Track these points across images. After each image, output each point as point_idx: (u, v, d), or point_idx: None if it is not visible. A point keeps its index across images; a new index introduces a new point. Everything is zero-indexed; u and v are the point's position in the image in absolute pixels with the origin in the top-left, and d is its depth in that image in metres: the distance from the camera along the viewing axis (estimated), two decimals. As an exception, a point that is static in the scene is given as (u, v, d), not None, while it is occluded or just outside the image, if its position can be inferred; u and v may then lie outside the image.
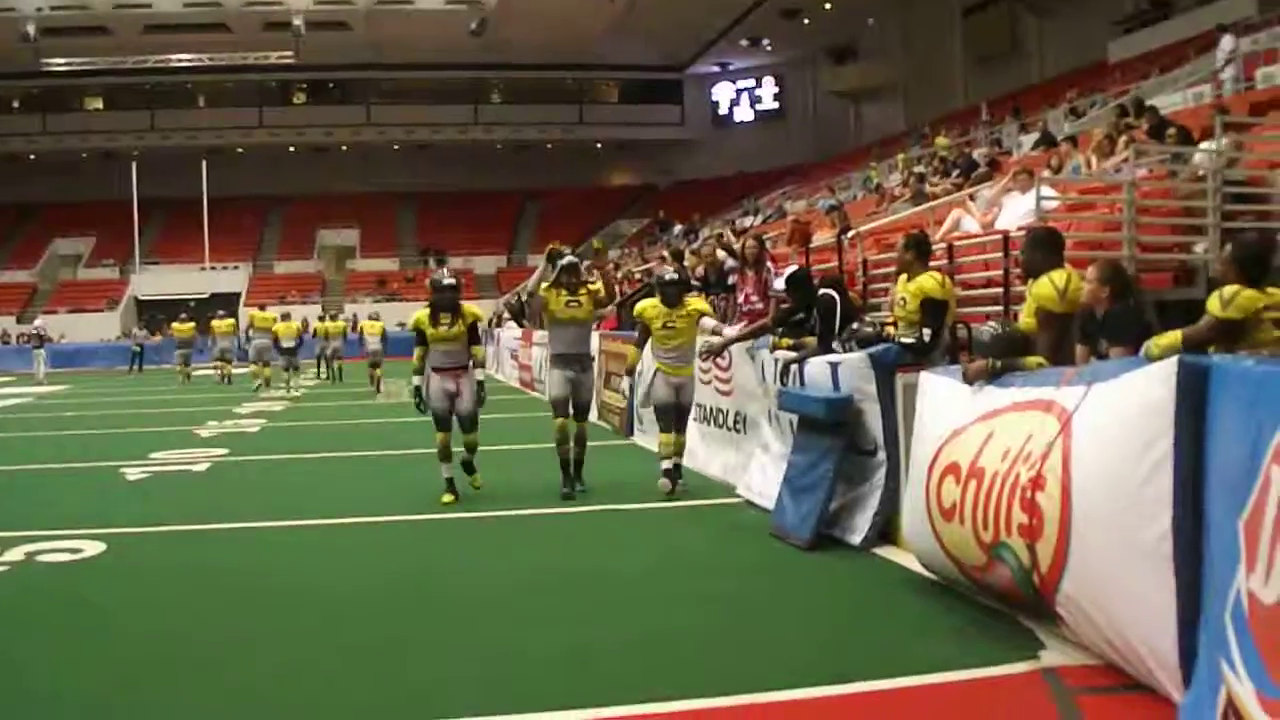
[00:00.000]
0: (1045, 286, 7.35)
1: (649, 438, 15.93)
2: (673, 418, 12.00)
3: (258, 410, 24.11)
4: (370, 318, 35.25)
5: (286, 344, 31.15)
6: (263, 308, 37.38)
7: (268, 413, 23.59)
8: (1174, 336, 6.07)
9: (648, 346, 12.37)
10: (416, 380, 12.17)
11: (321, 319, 36.95)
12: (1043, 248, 7.70)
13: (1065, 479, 5.80)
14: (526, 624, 7.11)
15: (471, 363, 12.27)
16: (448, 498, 11.78)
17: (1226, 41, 23.78)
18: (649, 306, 12.28)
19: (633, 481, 12.32)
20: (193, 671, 6.29)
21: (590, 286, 12.52)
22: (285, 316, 32.84)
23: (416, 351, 12.19)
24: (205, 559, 9.46)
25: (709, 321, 12.37)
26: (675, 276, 12.80)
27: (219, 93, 69.17)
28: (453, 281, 12.38)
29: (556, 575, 8.47)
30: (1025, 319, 7.66)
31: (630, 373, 13.06)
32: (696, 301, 12.78)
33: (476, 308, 12.75)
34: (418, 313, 12.33)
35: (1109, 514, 5.46)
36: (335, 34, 60.57)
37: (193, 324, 39.39)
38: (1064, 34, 46.30)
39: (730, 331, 12.48)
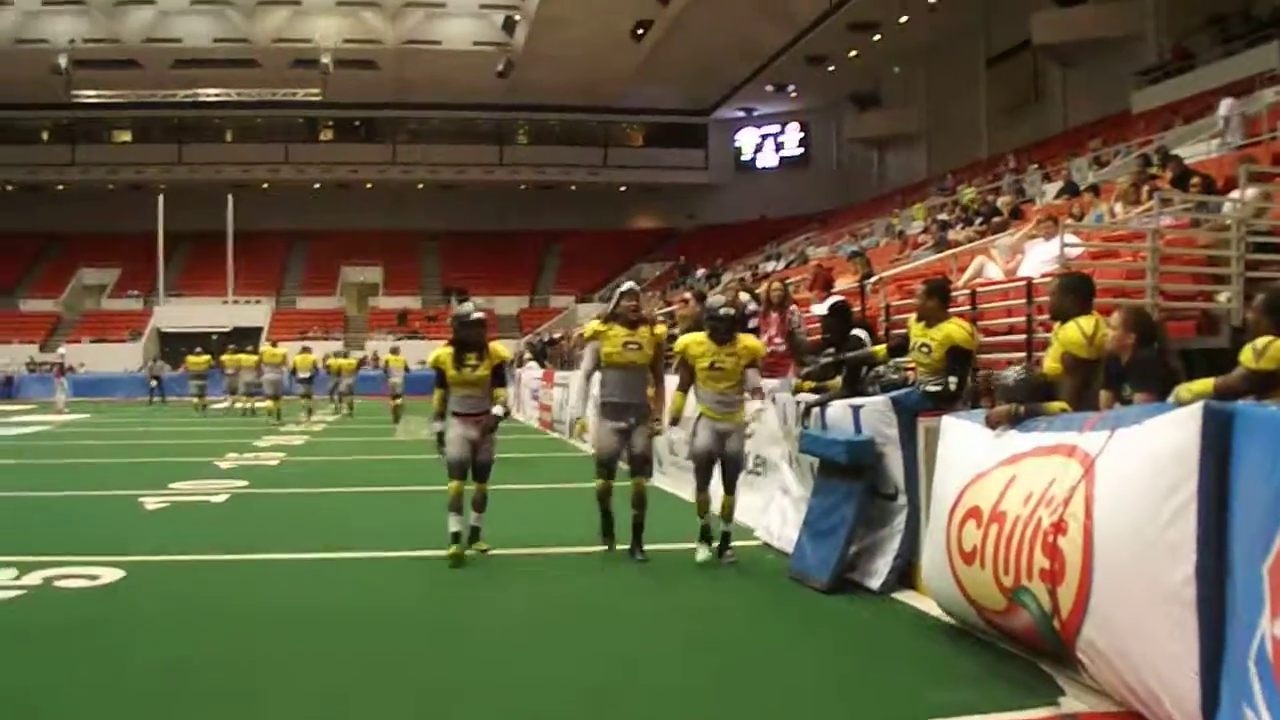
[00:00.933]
0: (1073, 331, 7.36)
1: (669, 480, 15.88)
2: (711, 471, 10.59)
3: (277, 444, 24.12)
4: (392, 351, 36.51)
5: (303, 375, 33.22)
6: (275, 344, 39.85)
7: (287, 446, 23.59)
8: (1205, 385, 6.06)
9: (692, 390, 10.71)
10: (438, 426, 10.94)
11: (335, 356, 37.94)
12: (1073, 294, 7.73)
13: (1088, 523, 5.79)
14: (541, 664, 7.08)
15: (494, 407, 11.01)
16: (454, 549, 10.46)
17: (1225, 105, 23.83)
18: (694, 343, 10.61)
19: (652, 521, 12.25)
20: (207, 700, 6.27)
21: (656, 328, 11.00)
22: (305, 349, 34.97)
23: (437, 394, 10.93)
24: (222, 589, 9.44)
25: (754, 376, 10.67)
26: (730, 311, 10.93)
27: (246, 128, 69.66)
28: (480, 316, 11.05)
29: (570, 616, 8.45)
30: (1050, 363, 7.66)
31: (675, 422, 11.00)
32: (750, 340, 10.91)
33: (503, 347, 11.50)
34: (439, 350, 10.94)
35: (1131, 559, 5.44)
36: (363, 73, 61.08)
37: (207, 357, 40.25)
38: (1087, 84, 46.32)
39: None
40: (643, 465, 10.89)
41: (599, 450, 10.96)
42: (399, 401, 32.85)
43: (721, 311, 10.77)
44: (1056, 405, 7.07)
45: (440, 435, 10.94)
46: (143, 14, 57.09)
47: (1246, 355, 6.27)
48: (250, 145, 69.53)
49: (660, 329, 11.10)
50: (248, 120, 68.92)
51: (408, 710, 6.12)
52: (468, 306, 11.24)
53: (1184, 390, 5.86)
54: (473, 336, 10.89)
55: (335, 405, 36.59)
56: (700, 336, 10.65)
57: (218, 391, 39.98)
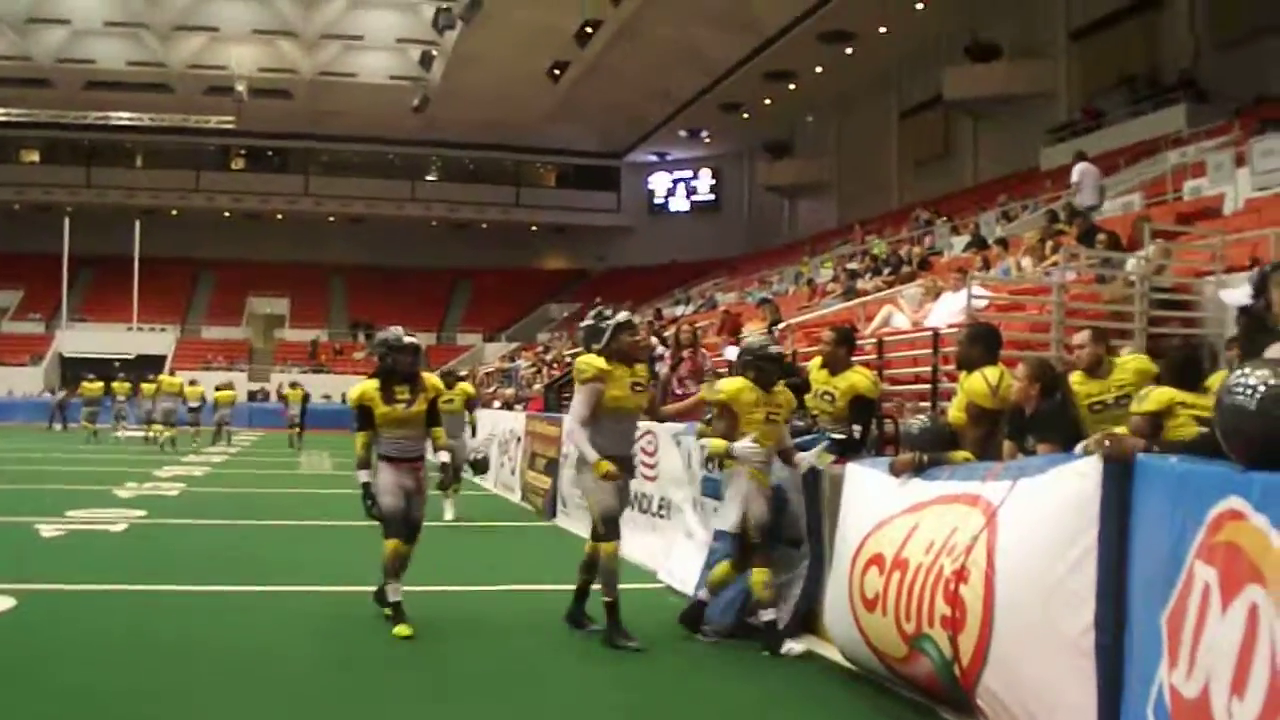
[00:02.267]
0: (978, 382, 7.42)
1: (572, 520, 15.85)
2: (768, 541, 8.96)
3: (178, 474, 23.81)
4: (291, 385, 40.69)
5: (193, 405, 35.72)
6: (173, 373, 41.89)
7: (188, 477, 23.30)
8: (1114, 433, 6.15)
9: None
10: (363, 476, 9.15)
11: (218, 389, 38.43)
12: (980, 344, 7.80)
13: (989, 572, 5.82)
14: (439, 701, 7.06)
15: (439, 453, 9.78)
16: (404, 630, 8.69)
17: (1076, 170, 24.38)
18: (744, 389, 8.89)
19: (555, 564, 12.20)
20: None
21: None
22: (193, 382, 37.39)
23: (360, 438, 9.22)
24: (119, 619, 9.26)
25: (786, 434, 9.19)
26: (778, 350, 9.43)
27: (157, 153, 68.96)
28: (414, 341, 9.62)
29: (470, 653, 8.36)
30: (955, 413, 7.73)
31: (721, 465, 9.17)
32: (784, 390, 9.24)
33: (437, 379, 10.13)
34: (362, 385, 9.37)
35: (1032, 607, 5.48)
36: (277, 102, 60.79)
37: (101, 384, 41.00)
38: (998, 140, 46.97)
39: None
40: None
41: (605, 510, 8.98)
42: (295, 429, 37.04)
43: (773, 350, 9.26)
44: (960, 454, 7.12)
45: (367, 487, 9.11)
46: (56, 33, 56.36)
47: (1134, 405, 6.45)
48: (161, 171, 68.87)
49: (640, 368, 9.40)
50: (159, 145, 68.22)
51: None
52: (396, 330, 9.55)
53: (1092, 444, 5.89)
54: (403, 365, 9.36)
55: (215, 436, 36.93)
56: (746, 383, 8.95)
57: (107, 419, 40.15)
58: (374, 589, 9.65)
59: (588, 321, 9.30)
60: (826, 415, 9.60)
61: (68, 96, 58.84)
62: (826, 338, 9.90)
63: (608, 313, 9.39)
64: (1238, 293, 6.04)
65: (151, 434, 35.34)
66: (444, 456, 9.92)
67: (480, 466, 16.75)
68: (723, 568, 9.06)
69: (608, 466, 8.70)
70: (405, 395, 9.20)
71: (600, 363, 8.90)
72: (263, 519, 16.69)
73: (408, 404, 9.18)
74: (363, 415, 9.18)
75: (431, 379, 9.76)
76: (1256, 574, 3.90)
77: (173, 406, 34.40)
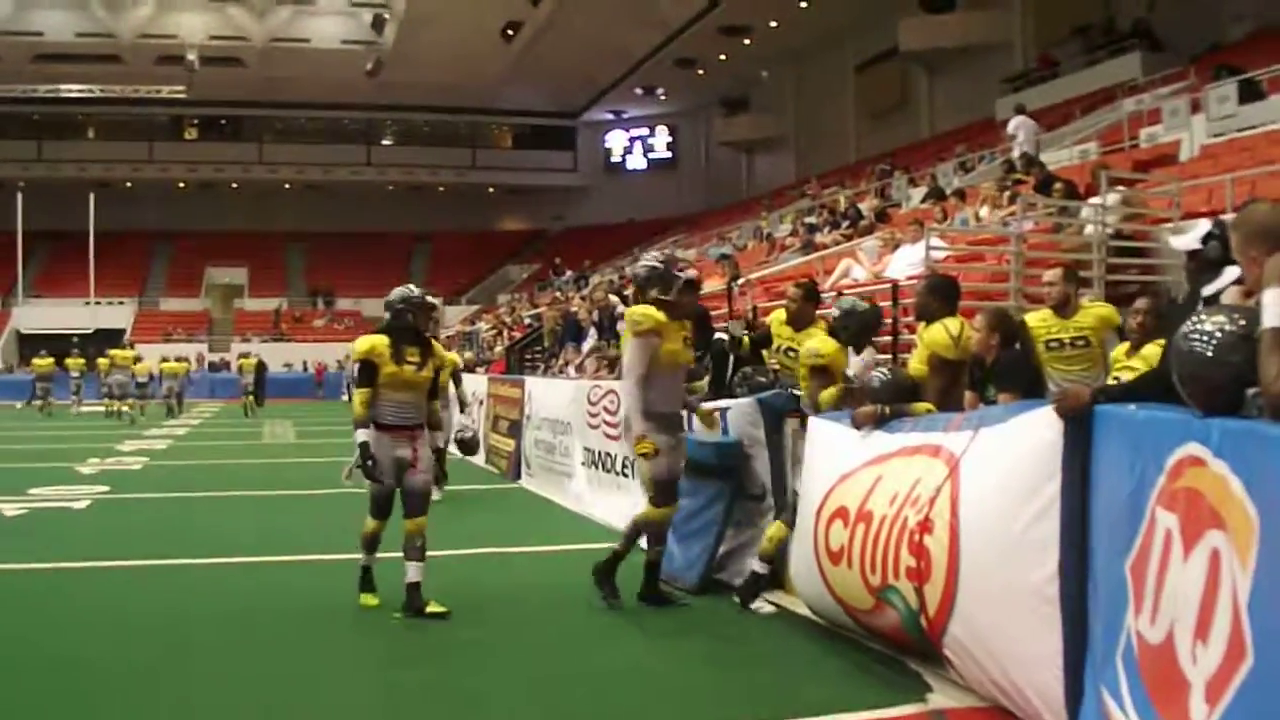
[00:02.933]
0: (939, 333, 7.42)
1: (537, 482, 15.89)
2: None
3: (141, 448, 23.71)
4: (243, 356, 45.29)
5: (141, 379, 36.68)
6: (131, 345, 43.31)
7: (150, 450, 23.22)
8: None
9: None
10: (362, 435, 8.44)
11: (165, 360, 40.23)
12: (939, 295, 7.80)
13: (953, 522, 5.84)
14: (404, 666, 7.07)
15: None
16: (370, 600, 8.66)
17: (1013, 123, 24.43)
18: (839, 351, 8.81)
19: (523, 527, 12.22)
20: (71, 704, 6.14)
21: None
22: (138, 359, 38.14)
23: (360, 394, 8.57)
24: (83, 597, 9.23)
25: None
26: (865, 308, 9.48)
27: (109, 125, 68.11)
28: (435, 302, 9.30)
29: (435, 623, 8.35)
30: (915, 364, 7.74)
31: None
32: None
33: (445, 352, 9.91)
34: (371, 339, 8.62)
35: (996, 557, 5.51)
36: (229, 70, 60.09)
37: (51, 360, 41.52)
38: (954, 91, 46.96)
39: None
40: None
41: (668, 473, 8.63)
42: (249, 397, 39.68)
43: (860, 308, 9.36)
44: (922, 406, 7.13)
45: (365, 447, 8.41)
46: (1, 6, 55.64)
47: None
48: (113, 143, 67.85)
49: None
50: (111, 117, 67.36)
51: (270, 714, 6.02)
52: (411, 288, 8.93)
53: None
54: (420, 324, 8.79)
55: (168, 407, 37.65)
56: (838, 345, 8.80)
57: (63, 394, 40.83)
58: (341, 557, 9.68)
59: (654, 263, 8.75)
60: (789, 372, 9.60)
61: (15, 70, 57.94)
62: (793, 293, 9.85)
63: (679, 259, 8.94)
64: (1188, 238, 6.06)
65: (115, 408, 35.54)
66: (437, 441, 9.03)
67: (468, 447, 14.22)
68: (779, 528, 8.59)
69: (649, 446, 8.35)
70: (415, 358, 8.56)
71: (660, 315, 8.42)
72: (227, 490, 16.66)
73: (417, 367, 8.56)
74: (367, 370, 8.47)
75: (440, 349, 9.24)
76: (1217, 519, 3.92)
77: (126, 379, 35.51)
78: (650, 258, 8.86)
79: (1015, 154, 23.85)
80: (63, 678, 6.68)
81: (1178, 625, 4.11)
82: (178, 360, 40.71)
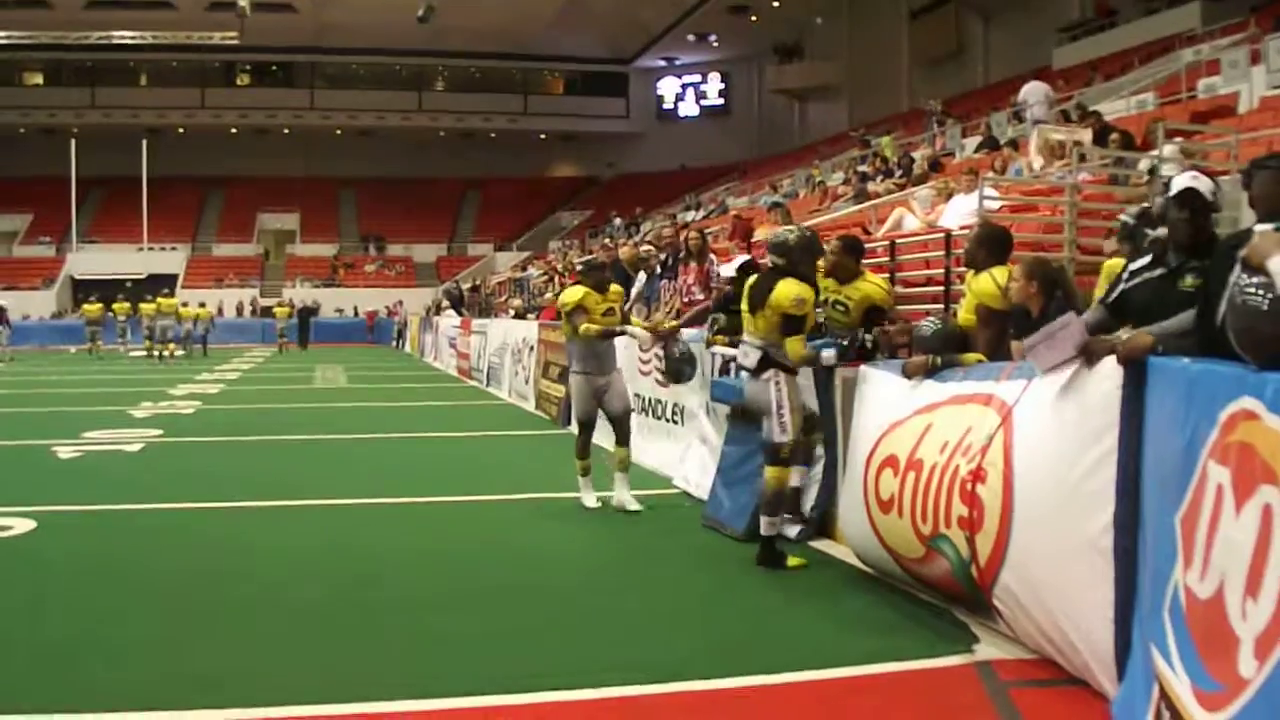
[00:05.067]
0: (987, 283, 7.38)
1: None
2: None
3: (193, 392, 23.92)
4: (278, 303, 51.77)
5: (186, 325, 40.65)
6: (168, 294, 44.98)
7: (202, 395, 23.40)
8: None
9: None
10: (631, 326, 10.78)
11: (190, 306, 43.82)
12: (988, 245, 7.73)
13: (1007, 472, 5.83)
14: (454, 608, 7.07)
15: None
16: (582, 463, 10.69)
17: (1024, 90, 24.20)
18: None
19: (569, 470, 12.22)
20: (128, 647, 6.21)
21: None
22: (185, 304, 43.22)
23: (582, 323, 10.24)
24: (136, 538, 9.33)
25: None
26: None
27: (161, 72, 68.25)
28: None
29: (490, 561, 8.42)
30: (964, 314, 7.69)
31: None
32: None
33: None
34: (579, 291, 10.46)
35: (1050, 507, 5.49)
36: (281, 16, 60.08)
37: (100, 305, 44.17)
38: (1009, 39, 46.58)
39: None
40: None
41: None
42: (283, 339, 46.52)
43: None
44: (972, 356, 7.10)
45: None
46: (55, -46, 55.81)
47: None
48: (165, 89, 68.09)
49: None
50: (163, 64, 67.50)
51: (334, 661, 6.07)
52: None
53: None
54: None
55: (188, 350, 40.95)
56: None
57: (112, 338, 43.68)
58: (379, 501, 10.22)
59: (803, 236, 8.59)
60: (840, 324, 9.56)
61: (69, 17, 58.03)
62: (833, 247, 9.78)
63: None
64: (1184, 177, 5.89)
65: (157, 350, 38.04)
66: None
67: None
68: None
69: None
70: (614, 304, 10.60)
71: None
72: (278, 434, 16.77)
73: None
74: (578, 311, 10.36)
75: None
76: (1270, 474, 3.88)
77: (168, 324, 38.98)
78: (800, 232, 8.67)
79: (1029, 115, 23.61)
80: (100, 619, 6.77)
81: (1228, 581, 4.08)
82: (200, 306, 44.35)
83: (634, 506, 10.26)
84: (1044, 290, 6.85)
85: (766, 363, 8.17)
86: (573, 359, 10.71)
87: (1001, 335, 7.29)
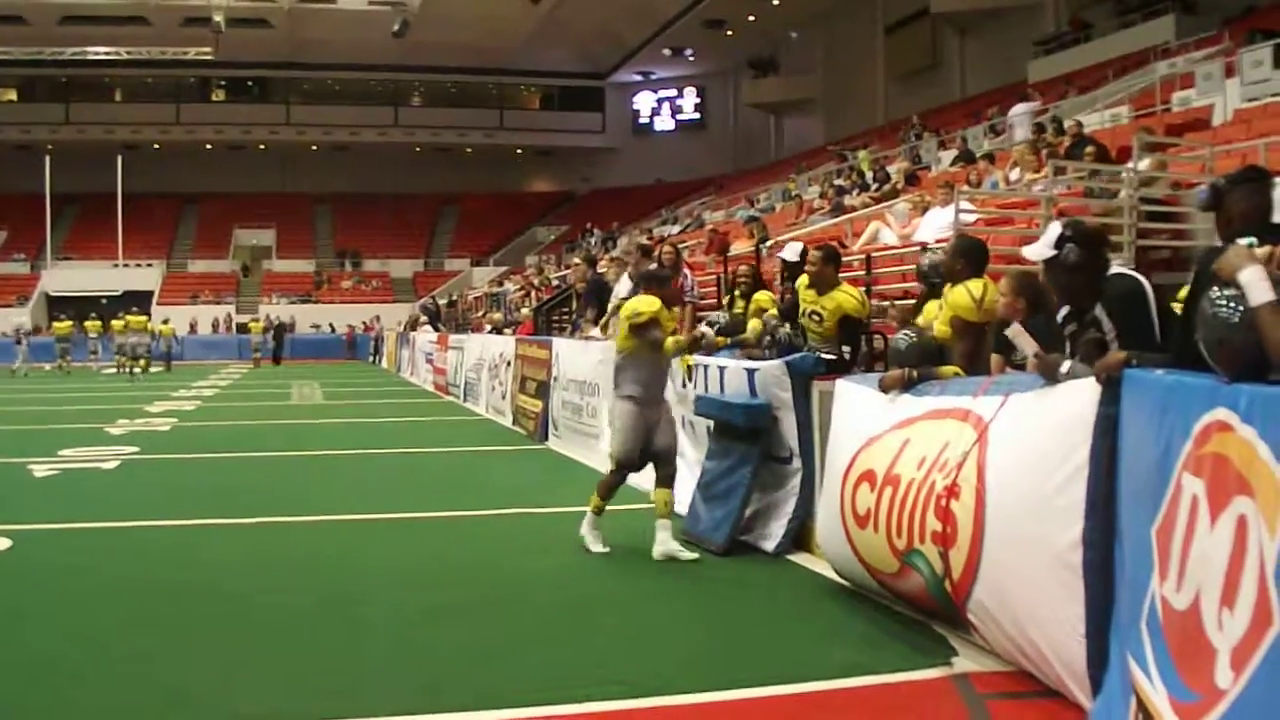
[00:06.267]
0: (962, 295, 7.41)
1: (564, 443, 15.93)
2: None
3: (169, 409, 23.84)
4: (252, 319, 53.85)
5: (152, 341, 42.08)
6: (138, 312, 45.20)
7: (179, 411, 23.34)
8: None
9: None
10: (702, 330, 9.98)
11: (158, 323, 46.82)
12: (965, 257, 7.75)
13: (980, 487, 5.84)
14: (435, 623, 7.06)
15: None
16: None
17: (1014, 111, 24.44)
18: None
19: (547, 485, 12.26)
20: (103, 664, 6.19)
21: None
22: (165, 321, 45.67)
23: (653, 335, 8.96)
24: (113, 556, 9.29)
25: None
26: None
27: (136, 87, 68.16)
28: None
29: (469, 577, 8.41)
30: (940, 326, 7.71)
31: None
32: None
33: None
34: (651, 301, 9.09)
35: (1022, 523, 5.51)
36: (256, 31, 59.96)
37: (69, 323, 46.22)
38: (985, 53, 46.75)
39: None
40: None
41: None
42: (257, 354, 48.15)
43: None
44: (949, 369, 7.13)
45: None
46: (27, -31, 55.60)
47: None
48: (140, 105, 68.02)
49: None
50: (138, 79, 67.41)
51: (313, 677, 6.05)
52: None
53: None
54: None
55: (165, 366, 43.27)
56: None
57: (81, 356, 44.66)
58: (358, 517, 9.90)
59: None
60: (815, 335, 9.61)
61: (43, 32, 57.74)
62: (814, 257, 9.84)
63: None
64: (1039, 245, 5.96)
65: (128, 366, 39.65)
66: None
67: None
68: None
69: None
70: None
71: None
72: (255, 451, 16.73)
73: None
74: (652, 323, 8.99)
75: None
76: (1244, 485, 3.90)
77: (138, 341, 40.08)
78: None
79: (1017, 138, 23.84)
80: (88, 637, 6.75)
81: (1204, 592, 4.10)
82: (164, 323, 46.92)
83: (687, 555, 8.92)
84: (1031, 307, 6.88)
85: None
86: (624, 382, 9.17)
87: (978, 347, 7.31)
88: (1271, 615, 3.62)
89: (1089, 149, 15.72)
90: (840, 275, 9.90)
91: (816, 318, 9.50)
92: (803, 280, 9.92)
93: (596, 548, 9.10)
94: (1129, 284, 5.71)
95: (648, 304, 9.02)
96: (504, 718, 5.38)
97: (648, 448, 9.15)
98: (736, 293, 12.44)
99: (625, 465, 9.21)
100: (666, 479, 9.17)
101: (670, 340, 9.04)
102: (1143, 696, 4.46)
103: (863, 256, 13.69)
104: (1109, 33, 37.31)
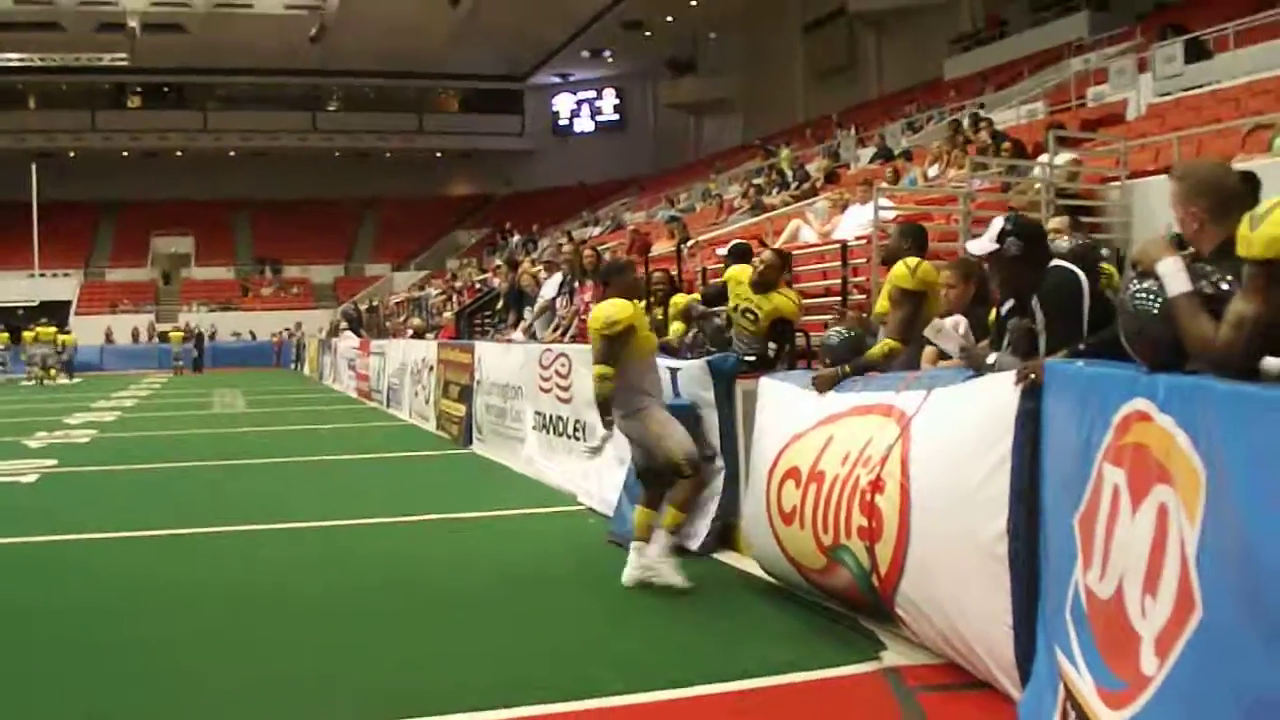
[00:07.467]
0: (898, 267, 7.61)
1: (489, 447, 15.87)
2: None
3: (89, 420, 23.55)
4: (173, 329, 55.06)
5: (61, 352, 43.92)
6: (47, 323, 45.19)
7: (99, 423, 23.06)
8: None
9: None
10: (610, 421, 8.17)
11: (67, 332, 48.45)
12: (910, 238, 8.08)
13: (904, 481, 5.87)
14: (357, 633, 7.01)
15: None
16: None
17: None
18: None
19: (475, 489, 12.20)
20: (19, 686, 6.12)
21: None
22: (66, 330, 46.38)
23: (604, 370, 7.93)
24: (31, 572, 9.14)
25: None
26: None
27: (50, 94, 67.20)
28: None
29: (401, 582, 8.35)
30: (882, 302, 7.81)
31: None
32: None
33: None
34: (625, 306, 7.98)
35: (947, 515, 5.54)
36: (171, 36, 59.26)
37: None
38: (901, 51, 47.11)
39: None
40: None
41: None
42: (178, 363, 50.42)
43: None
44: (880, 347, 7.21)
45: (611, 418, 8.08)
46: (-64, -25, 54.74)
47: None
48: (55, 112, 67.02)
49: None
50: (52, 86, 66.42)
51: (255, 687, 6.00)
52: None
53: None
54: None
55: (68, 375, 44.14)
56: None
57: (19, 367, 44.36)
58: (285, 525, 9.76)
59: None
60: (745, 331, 9.64)
61: (-46, 39, 57.23)
62: (768, 258, 9.83)
63: None
64: (982, 240, 6.03)
65: (39, 376, 41.05)
66: None
67: None
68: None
69: None
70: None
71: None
72: (177, 461, 16.55)
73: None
74: (619, 340, 7.90)
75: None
76: (1164, 474, 3.94)
77: (47, 351, 41.93)
78: None
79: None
80: (16, 651, 6.65)
81: (1127, 580, 4.14)
82: (66, 333, 47.98)
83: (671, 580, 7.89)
84: (976, 294, 6.95)
85: None
86: (633, 395, 8.07)
87: (913, 318, 7.35)
88: (1194, 601, 3.65)
89: (1005, 144, 15.89)
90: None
91: (751, 316, 9.54)
92: (739, 274, 9.94)
93: (677, 580, 7.80)
94: (1063, 275, 5.76)
95: (620, 310, 7.95)
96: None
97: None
98: (653, 298, 12.45)
99: (694, 462, 8.03)
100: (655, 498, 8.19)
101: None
102: (1070, 685, 4.49)
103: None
104: (1024, 30, 37.74)
